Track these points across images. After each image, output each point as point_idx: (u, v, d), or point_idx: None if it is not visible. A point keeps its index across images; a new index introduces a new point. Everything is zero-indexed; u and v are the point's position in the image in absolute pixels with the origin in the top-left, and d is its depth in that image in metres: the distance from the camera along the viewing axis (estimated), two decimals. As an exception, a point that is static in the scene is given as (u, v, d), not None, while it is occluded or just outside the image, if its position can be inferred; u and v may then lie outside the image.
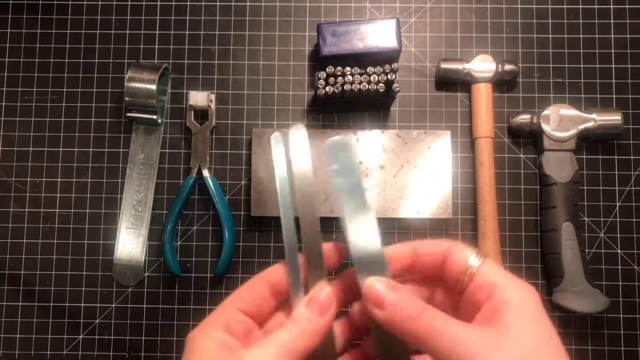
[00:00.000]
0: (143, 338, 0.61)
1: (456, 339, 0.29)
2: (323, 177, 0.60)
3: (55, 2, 0.66)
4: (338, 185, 0.35)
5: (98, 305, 0.61)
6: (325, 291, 0.34)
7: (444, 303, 0.35)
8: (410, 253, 0.35)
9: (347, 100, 0.60)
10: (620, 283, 0.61)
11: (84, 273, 0.62)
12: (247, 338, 0.34)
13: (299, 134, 0.36)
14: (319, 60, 0.61)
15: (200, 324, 0.34)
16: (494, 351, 0.28)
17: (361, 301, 0.35)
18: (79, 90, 0.65)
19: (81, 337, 0.61)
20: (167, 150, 0.64)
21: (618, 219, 0.62)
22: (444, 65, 0.62)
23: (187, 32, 0.65)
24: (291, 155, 0.36)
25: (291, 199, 0.36)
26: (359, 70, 0.58)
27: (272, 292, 0.35)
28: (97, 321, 0.61)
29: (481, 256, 0.33)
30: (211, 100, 0.62)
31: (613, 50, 0.64)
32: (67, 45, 0.65)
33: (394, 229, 0.62)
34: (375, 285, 0.33)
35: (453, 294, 0.34)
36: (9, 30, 0.66)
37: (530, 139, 0.63)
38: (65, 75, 0.65)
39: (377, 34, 0.60)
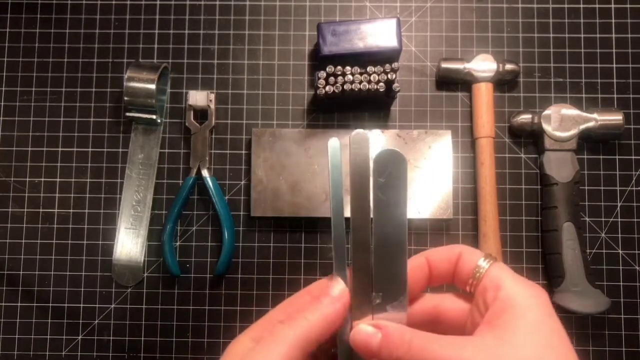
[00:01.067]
0: (142, 339, 0.61)
1: (455, 356, 0.28)
2: (324, 176, 0.60)
3: (54, 2, 0.66)
4: (379, 201, 0.32)
5: (97, 305, 0.61)
6: (339, 287, 0.33)
7: (455, 309, 0.34)
8: (425, 264, 0.34)
9: (347, 100, 0.60)
10: (621, 283, 0.61)
11: (83, 273, 0.62)
12: None
13: (361, 140, 0.34)
14: (319, 60, 0.61)
15: (242, 334, 0.33)
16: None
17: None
18: (78, 90, 0.64)
19: (80, 337, 0.61)
20: (166, 150, 0.63)
21: (619, 219, 0.62)
22: (444, 65, 0.62)
23: (186, 32, 0.65)
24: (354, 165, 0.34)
25: (342, 211, 0.34)
26: (359, 70, 0.58)
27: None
28: (96, 322, 0.61)
29: (491, 259, 0.32)
30: (211, 100, 0.62)
31: (614, 50, 0.64)
32: (66, 45, 0.65)
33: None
34: (360, 332, 0.32)
35: (464, 297, 0.34)
36: (7, 30, 0.65)
37: (531, 138, 0.63)
38: (64, 74, 0.65)
39: (377, 34, 0.60)
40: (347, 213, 0.33)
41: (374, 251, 0.33)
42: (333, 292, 0.33)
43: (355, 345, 0.32)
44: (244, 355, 0.31)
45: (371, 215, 0.33)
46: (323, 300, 0.32)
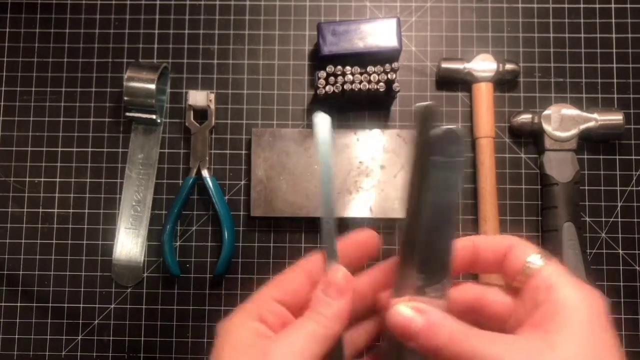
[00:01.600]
0: (142, 339, 0.60)
1: (496, 355, 0.27)
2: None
3: (54, 2, 0.66)
4: (435, 179, 0.31)
5: (97, 305, 0.61)
6: (340, 273, 0.33)
7: (497, 301, 0.33)
8: (471, 247, 0.33)
9: (347, 100, 0.60)
10: (621, 283, 0.61)
11: (83, 273, 0.62)
12: (283, 328, 0.32)
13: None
14: (318, 60, 0.61)
15: (235, 312, 0.33)
16: None
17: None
18: (78, 90, 0.64)
19: (80, 337, 0.61)
20: (166, 150, 0.63)
21: (619, 219, 0.62)
22: (444, 65, 0.62)
23: (186, 32, 0.65)
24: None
25: (332, 187, 0.34)
26: (359, 70, 0.58)
27: (309, 281, 0.34)
28: (96, 322, 0.61)
29: (544, 256, 0.31)
30: (210, 100, 0.62)
31: (614, 50, 0.64)
32: (66, 45, 0.65)
33: (394, 229, 0.62)
34: (395, 315, 0.31)
35: (510, 292, 0.33)
36: (7, 30, 0.65)
37: (531, 138, 0.63)
38: (64, 74, 0.65)
39: (377, 34, 0.60)
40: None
41: (422, 230, 0.31)
42: (338, 280, 0.32)
43: (392, 326, 0.31)
44: (254, 343, 0.31)
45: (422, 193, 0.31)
46: (330, 292, 0.32)
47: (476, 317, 0.33)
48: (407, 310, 0.30)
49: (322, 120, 0.34)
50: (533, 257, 0.31)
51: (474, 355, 0.28)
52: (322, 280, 0.33)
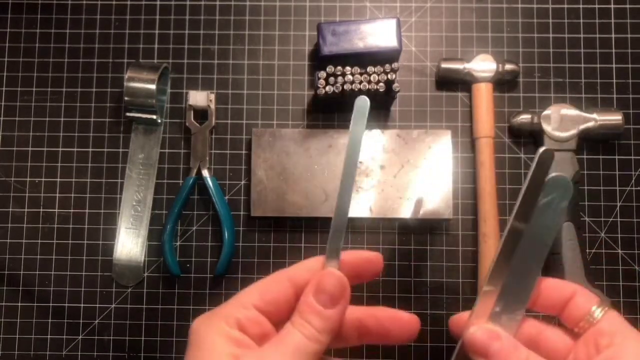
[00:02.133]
0: (142, 338, 0.61)
1: None
2: (324, 176, 0.60)
3: (54, 2, 0.66)
4: (537, 221, 0.32)
5: (97, 305, 0.61)
6: (335, 278, 0.31)
7: (553, 339, 0.35)
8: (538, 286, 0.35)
9: (347, 100, 0.60)
10: (621, 283, 0.61)
11: (84, 273, 0.62)
12: (261, 341, 0.30)
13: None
14: (318, 60, 0.61)
15: (210, 314, 0.31)
16: None
17: None
18: (78, 90, 0.64)
19: (80, 337, 0.61)
20: (166, 150, 0.63)
21: (619, 219, 0.62)
22: (444, 65, 0.62)
23: (186, 32, 0.65)
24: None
25: (353, 181, 0.34)
26: (359, 70, 0.58)
27: (294, 290, 0.31)
28: (96, 321, 0.61)
29: (604, 307, 0.33)
30: (211, 100, 0.62)
31: (614, 50, 0.64)
32: (67, 45, 0.65)
33: (394, 229, 0.62)
34: (477, 333, 0.32)
35: (569, 334, 0.34)
36: (8, 30, 0.65)
37: (530, 138, 0.63)
38: (65, 75, 0.65)
39: (377, 34, 0.60)
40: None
41: (513, 261, 0.33)
42: (332, 287, 0.30)
43: (470, 343, 0.32)
44: (233, 353, 0.29)
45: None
46: (322, 299, 0.30)
47: (534, 350, 0.34)
48: (486, 332, 0.32)
49: (363, 104, 0.34)
50: (595, 308, 0.33)
51: None
52: (314, 283, 0.31)
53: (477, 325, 0.32)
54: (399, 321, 0.34)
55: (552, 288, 0.35)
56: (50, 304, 0.61)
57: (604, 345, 0.32)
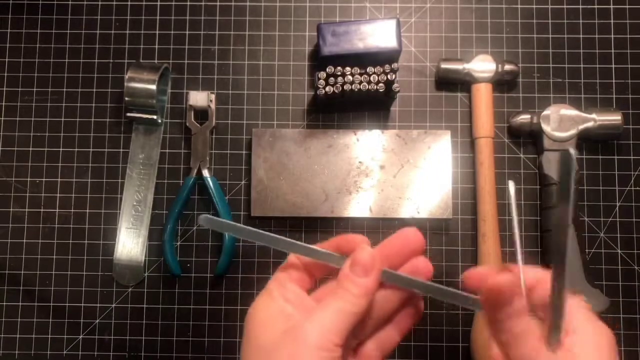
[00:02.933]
0: (143, 338, 0.61)
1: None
2: (324, 176, 0.60)
3: (55, 2, 0.66)
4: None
5: (98, 305, 0.61)
6: (366, 252, 0.35)
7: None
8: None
9: (347, 100, 0.60)
10: (620, 283, 0.61)
11: (84, 273, 0.62)
12: (301, 306, 0.35)
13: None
14: (319, 60, 0.61)
15: (260, 295, 0.36)
16: None
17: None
18: (79, 90, 0.65)
19: (81, 337, 0.61)
20: (167, 150, 0.64)
21: (618, 219, 0.62)
22: (444, 65, 0.62)
23: (187, 32, 0.65)
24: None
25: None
26: (359, 70, 0.58)
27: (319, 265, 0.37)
28: (97, 321, 0.61)
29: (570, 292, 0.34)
30: (211, 100, 0.62)
31: (613, 50, 0.64)
32: (67, 45, 0.65)
33: (393, 229, 0.62)
34: (501, 279, 0.34)
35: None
36: (9, 30, 0.66)
37: (530, 139, 0.63)
38: (65, 75, 0.65)
39: (377, 34, 0.60)
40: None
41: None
42: (364, 259, 0.35)
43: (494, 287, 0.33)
44: (284, 322, 0.34)
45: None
46: (356, 270, 0.35)
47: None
48: (508, 279, 0.33)
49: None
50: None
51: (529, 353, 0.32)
52: (349, 259, 0.35)
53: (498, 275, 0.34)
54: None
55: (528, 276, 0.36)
56: (51, 304, 0.61)
57: (566, 330, 0.33)
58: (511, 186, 0.35)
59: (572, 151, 0.31)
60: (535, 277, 0.35)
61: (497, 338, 0.34)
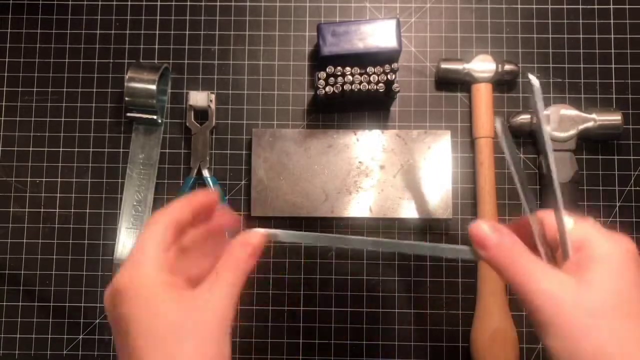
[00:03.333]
0: (143, 338, 0.61)
1: (536, 288, 0.32)
2: (324, 176, 0.60)
3: (55, 2, 0.66)
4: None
5: (98, 305, 0.61)
6: (255, 235, 0.38)
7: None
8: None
9: (347, 100, 0.60)
10: (620, 283, 0.61)
11: (84, 273, 0.62)
12: (186, 276, 0.36)
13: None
14: (319, 60, 0.61)
15: (132, 269, 0.35)
16: (569, 303, 0.32)
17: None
18: (79, 90, 0.65)
19: (81, 337, 0.61)
20: (167, 150, 0.64)
21: (618, 219, 0.62)
22: (444, 65, 0.62)
23: (187, 32, 0.65)
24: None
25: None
26: (359, 70, 0.58)
27: (194, 215, 0.38)
28: (97, 321, 0.61)
29: (577, 217, 0.35)
30: (211, 100, 0.62)
31: (613, 51, 0.64)
32: (67, 46, 0.65)
33: (394, 229, 0.62)
34: (480, 227, 0.35)
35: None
36: (9, 31, 0.66)
37: (530, 139, 0.63)
38: (65, 75, 0.65)
39: (377, 34, 0.60)
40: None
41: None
42: (255, 242, 0.37)
43: (473, 234, 0.35)
44: (174, 297, 0.33)
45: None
46: (244, 250, 0.37)
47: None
48: (490, 226, 0.35)
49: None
50: (567, 220, 0.35)
51: (526, 281, 0.33)
52: (241, 237, 0.37)
53: (485, 220, 0.36)
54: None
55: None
56: (51, 304, 0.61)
57: (577, 247, 0.34)
58: (498, 123, 0.36)
59: (534, 80, 0.35)
60: (541, 216, 0.37)
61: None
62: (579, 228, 0.35)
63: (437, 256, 0.41)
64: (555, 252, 0.36)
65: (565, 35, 0.65)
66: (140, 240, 0.36)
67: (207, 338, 0.32)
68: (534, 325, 0.34)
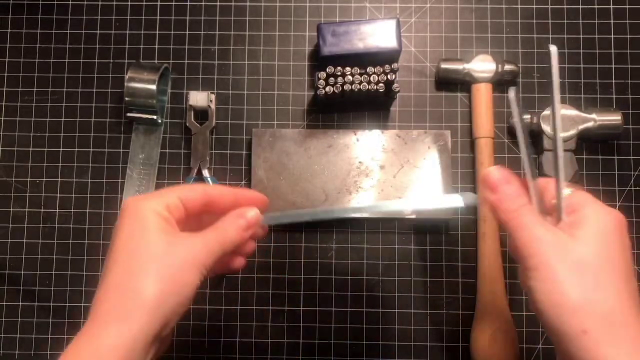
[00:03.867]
0: (143, 338, 0.61)
1: (531, 235, 0.35)
2: (324, 176, 0.61)
3: (55, 2, 0.66)
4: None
5: (98, 305, 0.61)
6: (253, 212, 0.41)
7: None
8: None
9: (347, 100, 0.60)
10: (620, 283, 0.61)
11: (84, 273, 0.62)
12: (180, 225, 0.39)
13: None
14: (319, 60, 0.61)
15: (142, 196, 0.39)
16: (556, 251, 0.34)
17: None
18: (79, 90, 0.65)
19: (81, 337, 0.61)
20: (167, 150, 0.64)
21: (591, 195, 0.62)
22: (444, 65, 0.62)
23: (187, 32, 0.65)
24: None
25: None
26: (359, 70, 0.58)
27: (205, 203, 0.41)
28: (97, 321, 0.61)
29: (573, 188, 0.39)
30: (211, 101, 0.63)
31: (613, 51, 0.64)
32: (67, 46, 0.65)
33: (394, 229, 0.62)
34: (494, 172, 0.38)
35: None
36: (9, 31, 0.66)
37: (530, 139, 0.63)
38: (66, 75, 0.65)
39: (377, 34, 0.60)
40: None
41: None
42: (250, 217, 0.41)
43: (485, 178, 0.38)
44: (163, 229, 0.37)
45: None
46: (242, 221, 0.41)
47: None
48: (503, 173, 0.38)
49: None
50: (565, 187, 0.38)
51: (522, 228, 0.36)
52: (241, 209, 0.41)
53: (493, 168, 0.39)
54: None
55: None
56: (51, 304, 0.61)
57: (569, 212, 0.37)
58: (511, 93, 0.37)
59: (553, 48, 0.36)
60: (542, 181, 0.39)
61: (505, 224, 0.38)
62: (575, 195, 0.38)
63: (433, 211, 0.44)
64: (550, 215, 0.39)
65: (565, 35, 0.65)
66: (169, 188, 0.40)
67: (171, 270, 0.35)
68: (520, 269, 0.37)
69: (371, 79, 0.58)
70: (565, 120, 0.61)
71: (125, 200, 0.39)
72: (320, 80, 0.58)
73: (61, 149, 0.64)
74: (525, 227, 0.36)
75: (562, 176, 0.38)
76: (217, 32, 0.65)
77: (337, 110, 0.64)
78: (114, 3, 0.66)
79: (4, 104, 0.65)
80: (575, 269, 0.34)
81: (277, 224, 0.43)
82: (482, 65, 0.62)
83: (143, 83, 0.60)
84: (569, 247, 0.35)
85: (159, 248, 0.36)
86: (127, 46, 0.65)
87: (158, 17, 0.66)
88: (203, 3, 0.66)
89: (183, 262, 0.36)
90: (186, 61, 0.65)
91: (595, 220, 0.36)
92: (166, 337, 0.38)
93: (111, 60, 0.65)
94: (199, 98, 0.62)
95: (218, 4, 0.66)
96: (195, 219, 0.42)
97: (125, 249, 0.36)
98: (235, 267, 0.45)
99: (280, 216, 0.45)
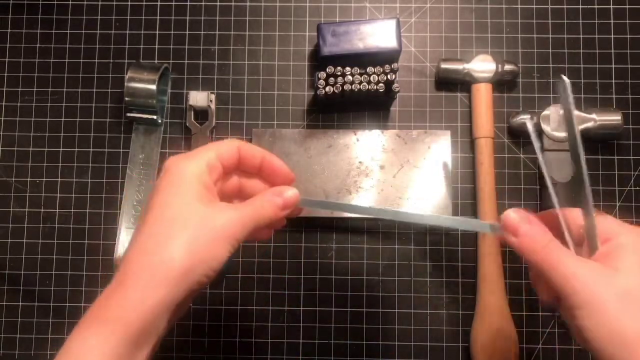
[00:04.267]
0: (143, 338, 0.61)
1: (569, 272, 0.34)
2: (324, 176, 0.60)
3: (55, 2, 0.66)
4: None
5: (98, 305, 0.61)
6: (291, 192, 0.42)
7: None
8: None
9: (347, 100, 0.60)
10: (620, 283, 0.61)
11: (84, 273, 0.62)
12: (216, 184, 0.40)
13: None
14: (319, 60, 0.61)
15: (182, 155, 0.39)
16: (600, 285, 0.34)
17: None
18: (79, 90, 0.65)
19: (81, 337, 0.61)
20: (167, 150, 0.64)
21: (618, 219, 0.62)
22: (444, 65, 0.62)
23: (187, 32, 0.65)
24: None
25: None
26: (359, 70, 0.58)
27: (238, 160, 0.42)
28: (97, 321, 0.61)
29: (594, 213, 0.38)
30: (211, 101, 0.63)
31: (613, 51, 0.64)
32: (67, 46, 0.65)
33: (393, 229, 0.62)
34: (511, 215, 0.37)
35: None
36: (9, 31, 0.66)
37: (530, 139, 0.63)
38: (65, 75, 0.65)
39: (377, 34, 0.60)
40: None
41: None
42: (289, 196, 0.42)
43: (505, 222, 0.37)
44: (203, 193, 0.37)
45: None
46: (279, 200, 0.41)
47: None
48: (520, 214, 0.37)
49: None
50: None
51: (557, 266, 0.35)
52: (280, 187, 0.43)
53: (510, 210, 0.38)
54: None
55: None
56: (51, 304, 0.61)
57: (602, 241, 0.37)
58: (566, 80, 0.37)
59: (566, 79, 0.37)
60: (570, 214, 0.39)
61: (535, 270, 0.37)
62: (601, 221, 0.37)
63: (461, 229, 0.44)
64: (579, 246, 0.38)
65: (565, 35, 0.65)
66: (206, 146, 0.40)
67: (203, 242, 0.36)
68: (564, 308, 0.35)
69: (371, 79, 0.58)
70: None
71: (167, 159, 0.39)
72: (320, 80, 0.58)
73: (61, 149, 0.64)
74: (559, 264, 0.35)
75: (591, 207, 0.37)
76: (217, 32, 0.65)
77: (337, 110, 0.64)
78: (114, 3, 0.66)
79: (4, 104, 0.65)
80: (625, 301, 0.33)
81: (310, 207, 0.44)
82: (482, 65, 0.62)
83: (143, 83, 0.60)
84: (612, 280, 0.34)
85: (194, 218, 0.36)
86: (127, 46, 0.65)
87: (158, 17, 0.66)
88: (203, 3, 0.66)
89: (216, 235, 0.36)
90: (186, 61, 0.65)
91: (632, 247, 0.35)
92: (186, 304, 0.38)
93: (111, 60, 0.65)
94: (199, 98, 0.62)
95: (218, 4, 0.66)
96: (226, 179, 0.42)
97: (161, 214, 0.36)
98: (261, 238, 0.45)
99: (314, 202, 0.45)
